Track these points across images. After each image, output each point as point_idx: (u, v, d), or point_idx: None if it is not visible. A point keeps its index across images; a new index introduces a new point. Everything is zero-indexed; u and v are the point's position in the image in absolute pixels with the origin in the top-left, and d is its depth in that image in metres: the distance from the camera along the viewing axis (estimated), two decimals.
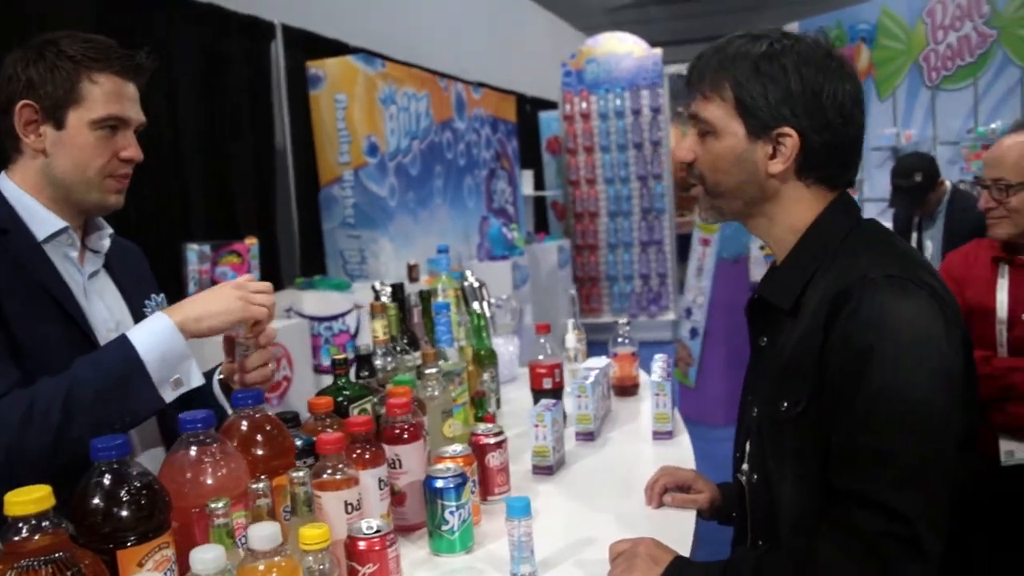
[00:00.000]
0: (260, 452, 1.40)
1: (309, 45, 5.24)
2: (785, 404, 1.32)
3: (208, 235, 3.98)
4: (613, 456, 2.10)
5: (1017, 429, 2.13)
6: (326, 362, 4.15)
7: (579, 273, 9.00)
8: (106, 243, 1.68)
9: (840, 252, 1.34)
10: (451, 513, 1.53)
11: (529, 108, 9.34)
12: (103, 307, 1.63)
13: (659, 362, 2.27)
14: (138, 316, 1.65)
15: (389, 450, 1.60)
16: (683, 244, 9.47)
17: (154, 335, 1.44)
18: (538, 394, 2.26)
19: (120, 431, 1.41)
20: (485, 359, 2.32)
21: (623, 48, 8.96)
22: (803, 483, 1.31)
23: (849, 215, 1.41)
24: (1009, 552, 2.12)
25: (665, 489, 1.74)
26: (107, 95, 1.54)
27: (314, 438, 1.51)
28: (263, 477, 1.30)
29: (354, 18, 5.88)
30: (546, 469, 1.95)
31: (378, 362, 1.99)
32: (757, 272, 9.55)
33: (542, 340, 2.31)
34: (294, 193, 5.09)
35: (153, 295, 1.76)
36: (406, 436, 1.63)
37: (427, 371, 1.89)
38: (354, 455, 1.50)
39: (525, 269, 6.53)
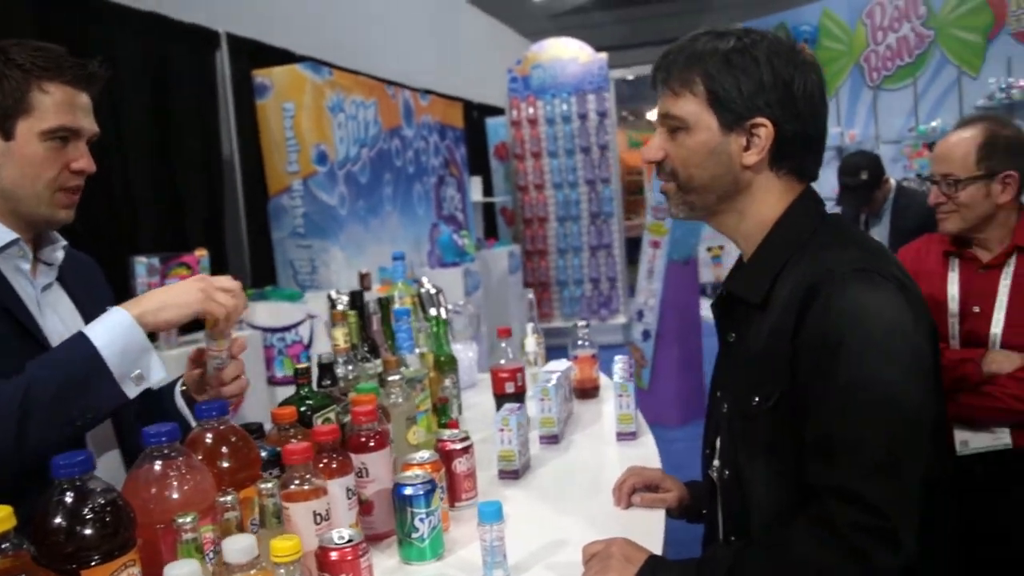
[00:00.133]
0: (226, 464, 1.37)
1: (255, 54, 5.18)
2: (757, 399, 1.33)
3: (156, 247, 3.91)
4: (578, 458, 2.10)
5: (970, 419, 2.17)
6: (280, 373, 4.10)
7: (529, 278, 9.01)
8: (59, 255, 1.64)
9: (809, 246, 1.35)
10: (421, 520, 1.51)
11: (476, 114, 9.34)
12: (57, 320, 1.59)
13: (620, 363, 2.27)
14: None
15: (356, 459, 1.57)
16: (631, 247, 9.55)
17: (112, 330, 1.39)
18: (501, 399, 2.25)
19: (82, 429, 1.37)
20: (446, 365, 2.30)
21: (568, 53, 9.00)
22: (776, 477, 1.32)
23: (816, 209, 1.43)
24: (967, 543, 2.16)
25: (633, 489, 1.74)
26: (58, 105, 1.49)
27: (279, 449, 1.49)
28: (230, 490, 1.28)
29: (300, 26, 5.83)
30: (512, 473, 1.94)
31: (340, 371, 1.96)
32: (706, 274, 9.66)
33: (503, 344, 2.30)
34: (242, 203, 5.02)
35: (109, 308, 1.72)
36: (372, 444, 1.61)
37: (390, 378, 1.88)
38: (321, 465, 1.47)
39: (477, 275, 6.51)
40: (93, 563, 1.10)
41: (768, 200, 1.41)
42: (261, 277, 5.02)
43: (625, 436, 2.16)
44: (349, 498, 1.50)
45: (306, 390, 1.80)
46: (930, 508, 1.22)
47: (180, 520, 1.13)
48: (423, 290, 2.71)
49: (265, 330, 4.22)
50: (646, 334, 6.07)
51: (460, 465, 1.77)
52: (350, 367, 2.00)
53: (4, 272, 1.51)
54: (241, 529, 1.24)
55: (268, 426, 1.65)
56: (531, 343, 2.66)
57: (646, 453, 2.06)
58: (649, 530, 1.59)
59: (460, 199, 7.62)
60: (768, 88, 1.35)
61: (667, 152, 1.44)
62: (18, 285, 1.52)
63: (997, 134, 2.25)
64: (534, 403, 2.20)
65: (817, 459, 1.24)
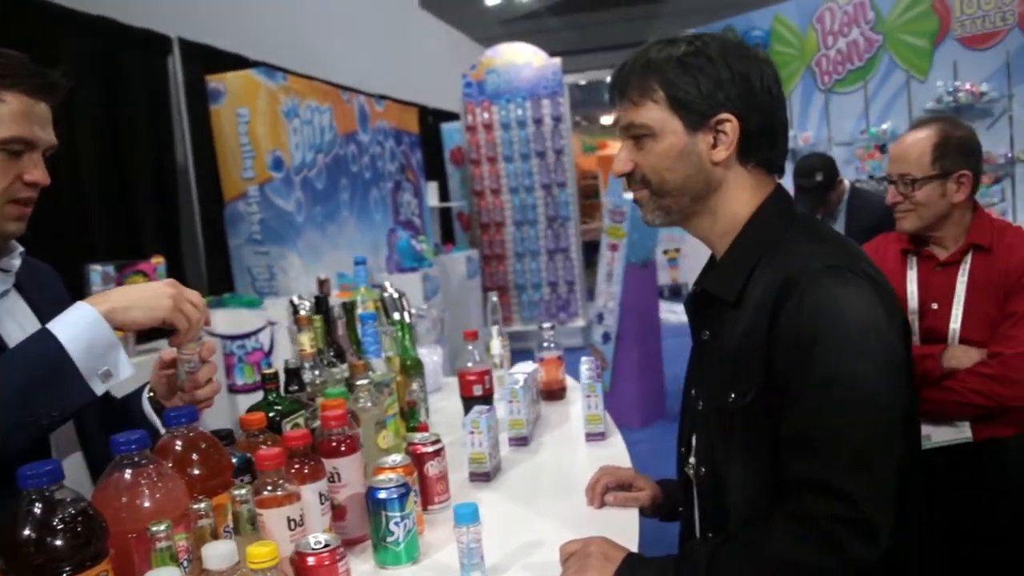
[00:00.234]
0: (197, 471, 1.35)
1: (207, 59, 5.13)
2: (733, 395, 1.34)
3: (110, 255, 3.84)
4: (549, 459, 2.10)
5: (932, 414, 2.20)
6: (241, 381, 4.06)
7: (488, 283, 9.00)
8: (16, 263, 1.60)
9: (782, 244, 1.37)
10: (396, 524, 1.50)
11: (431, 119, 9.32)
12: (16, 326, 1.55)
13: (587, 364, 2.28)
14: None
15: (327, 463, 1.56)
16: (588, 251, 9.59)
17: (76, 324, 1.34)
18: (468, 401, 2.25)
19: (47, 429, 1.33)
20: (412, 369, 2.29)
21: (522, 58, 9.02)
22: (753, 473, 1.33)
23: (787, 208, 1.44)
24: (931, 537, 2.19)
25: (607, 488, 1.74)
26: (14, 115, 1.43)
27: (249, 455, 1.47)
28: (202, 497, 1.26)
29: (252, 32, 5.79)
30: (483, 476, 1.93)
31: (306, 376, 1.94)
32: (662, 276, 9.73)
33: (470, 347, 2.29)
34: (198, 210, 4.96)
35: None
36: (343, 448, 1.60)
37: (358, 382, 1.86)
38: (293, 470, 1.45)
39: (436, 280, 6.49)
40: (64, 574, 1.08)
41: (741, 197, 1.42)
42: (218, 284, 4.96)
43: (594, 436, 2.16)
44: (322, 503, 1.49)
45: (274, 395, 1.78)
46: (904, 501, 1.24)
47: (154, 528, 1.11)
48: (386, 294, 2.69)
49: (225, 337, 4.16)
50: (606, 336, 6.10)
51: (432, 468, 1.76)
52: (316, 372, 1.98)
53: None
54: (215, 536, 1.22)
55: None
56: (496, 345, 2.66)
57: (615, 453, 2.06)
58: (624, 529, 1.59)
59: (417, 204, 7.59)
60: (727, 84, 1.37)
61: (636, 162, 1.45)
62: None
63: (950, 135, 2.29)
64: (502, 405, 2.20)
65: (794, 454, 1.25)
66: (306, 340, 1.96)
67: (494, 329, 2.70)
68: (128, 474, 1.22)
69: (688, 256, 8.55)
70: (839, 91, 5.82)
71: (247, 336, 4.12)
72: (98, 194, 4.12)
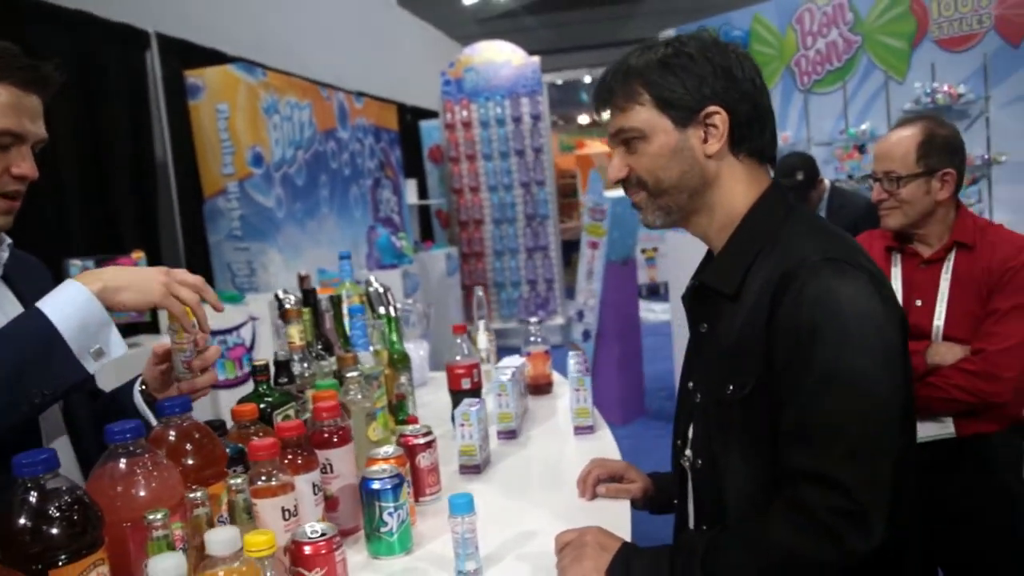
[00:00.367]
0: (191, 461, 1.34)
1: (186, 54, 5.10)
2: (731, 387, 1.34)
3: (90, 250, 3.81)
4: (538, 452, 2.10)
5: (916, 409, 2.22)
6: (223, 376, 4.03)
7: (466, 280, 9.00)
8: (4, 255, 1.58)
9: (780, 237, 1.38)
10: (390, 514, 1.50)
11: (410, 117, 9.31)
12: (3, 317, 1.53)
13: (575, 358, 2.28)
14: None
15: (320, 454, 1.56)
16: (566, 250, 9.61)
17: (68, 303, 1.32)
18: (457, 395, 2.24)
19: (40, 408, 1.31)
20: (399, 363, 2.29)
21: (501, 56, 9.03)
22: (751, 465, 1.34)
23: (784, 202, 1.45)
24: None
25: (598, 480, 1.75)
26: (3, 107, 1.41)
27: (242, 446, 1.46)
28: (196, 487, 1.25)
29: (231, 27, 5.75)
30: (474, 468, 1.93)
31: (295, 368, 1.93)
32: (641, 275, 9.76)
33: (458, 340, 2.29)
34: (177, 205, 4.92)
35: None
36: (336, 440, 1.60)
37: (349, 374, 1.86)
38: (286, 461, 1.45)
39: (415, 277, 6.49)
40: (60, 563, 1.06)
41: (736, 190, 1.43)
42: None
43: (583, 430, 2.17)
44: (315, 494, 1.49)
45: (264, 387, 1.77)
46: (899, 494, 1.25)
47: (151, 517, 1.10)
48: (371, 289, 2.69)
49: None
50: (586, 334, 6.11)
51: (424, 460, 1.76)
52: (305, 364, 1.97)
53: None
54: (211, 525, 1.22)
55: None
56: (483, 340, 2.66)
57: (604, 446, 2.07)
58: (616, 521, 1.59)
59: (396, 202, 7.58)
60: (710, 78, 1.38)
61: (630, 166, 1.46)
62: None
63: (935, 133, 2.31)
64: (491, 398, 2.20)
65: (792, 445, 1.26)
66: (295, 332, 1.95)
67: (481, 323, 2.70)
68: (123, 463, 1.21)
69: (666, 255, 8.57)
70: (818, 91, 5.86)
71: (228, 331, 4.10)
72: (77, 189, 4.09)
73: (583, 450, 2.02)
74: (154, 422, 1.47)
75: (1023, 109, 4.67)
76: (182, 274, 1.46)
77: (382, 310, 2.58)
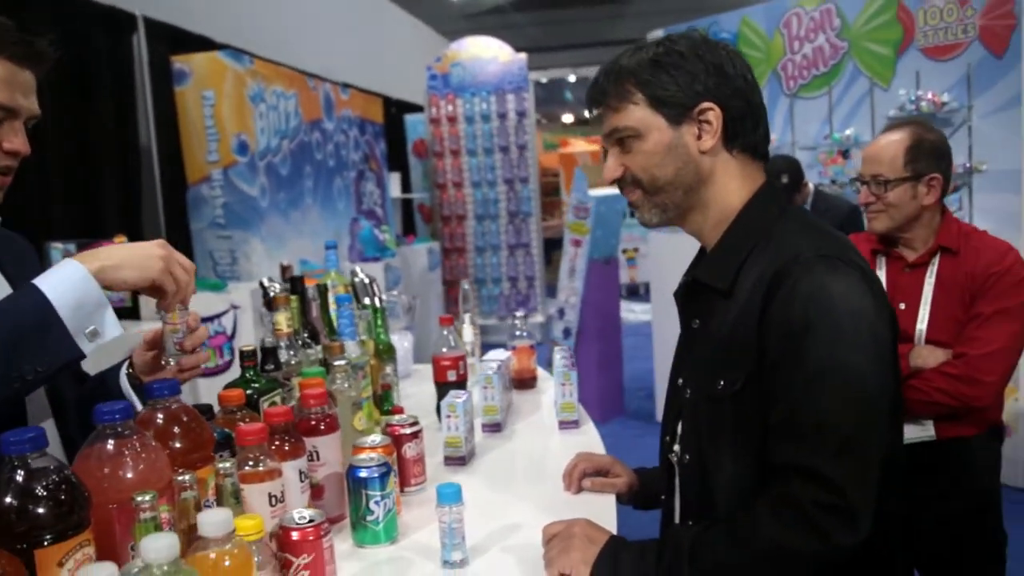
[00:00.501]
0: (178, 445, 1.33)
1: (173, 39, 5.05)
2: (722, 383, 1.35)
3: (72, 234, 3.78)
4: (522, 446, 2.11)
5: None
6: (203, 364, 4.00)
7: (448, 276, 8.99)
8: None
9: (774, 234, 1.39)
10: (376, 503, 1.50)
11: (395, 110, 9.27)
12: None
13: (561, 353, 2.28)
14: None
15: (307, 442, 1.55)
16: (547, 248, 9.61)
17: (65, 282, 1.30)
18: (442, 387, 2.24)
19: (32, 385, 1.30)
20: (384, 353, 2.29)
21: (488, 52, 9.02)
22: (740, 460, 1.34)
23: (778, 200, 1.46)
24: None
25: (584, 474, 1.75)
26: None
27: (228, 431, 1.45)
28: (183, 470, 1.24)
29: (219, 13, 5.71)
30: (459, 460, 1.93)
31: (282, 355, 1.93)
32: (621, 275, 9.79)
33: (445, 332, 2.29)
34: (160, 192, 4.88)
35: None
36: (323, 427, 1.59)
37: (336, 363, 1.85)
38: (274, 446, 1.44)
39: (397, 271, 6.48)
40: (46, 543, 1.05)
41: (731, 186, 1.44)
42: None
43: (568, 424, 2.17)
44: (302, 481, 1.48)
45: (251, 373, 1.76)
46: (885, 491, 1.26)
47: (139, 498, 1.09)
48: (357, 279, 2.68)
49: None
50: (567, 332, 6.12)
51: (410, 450, 1.76)
52: (292, 352, 1.96)
53: None
54: (198, 509, 1.21)
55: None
56: (468, 333, 2.66)
57: (589, 441, 2.07)
58: (601, 515, 1.59)
59: (379, 195, 7.56)
60: (702, 75, 1.39)
61: (625, 165, 1.46)
62: None
63: (923, 138, 2.33)
64: (476, 391, 2.20)
65: (782, 439, 1.27)
66: (282, 320, 1.94)
67: (466, 317, 2.70)
68: (111, 444, 1.19)
69: (647, 256, 8.60)
70: (804, 96, 5.89)
71: (210, 319, 4.07)
72: (60, 172, 4.05)
73: (568, 444, 2.02)
74: (139, 406, 1.46)
75: (1005, 119, 4.71)
76: (178, 255, 1.45)
77: (367, 301, 2.57)
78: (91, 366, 1.69)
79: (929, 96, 5.04)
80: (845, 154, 5.60)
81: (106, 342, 1.35)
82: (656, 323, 6.05)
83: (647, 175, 1.44)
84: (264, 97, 5.23)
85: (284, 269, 4.55)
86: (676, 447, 1.49)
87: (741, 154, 1.44)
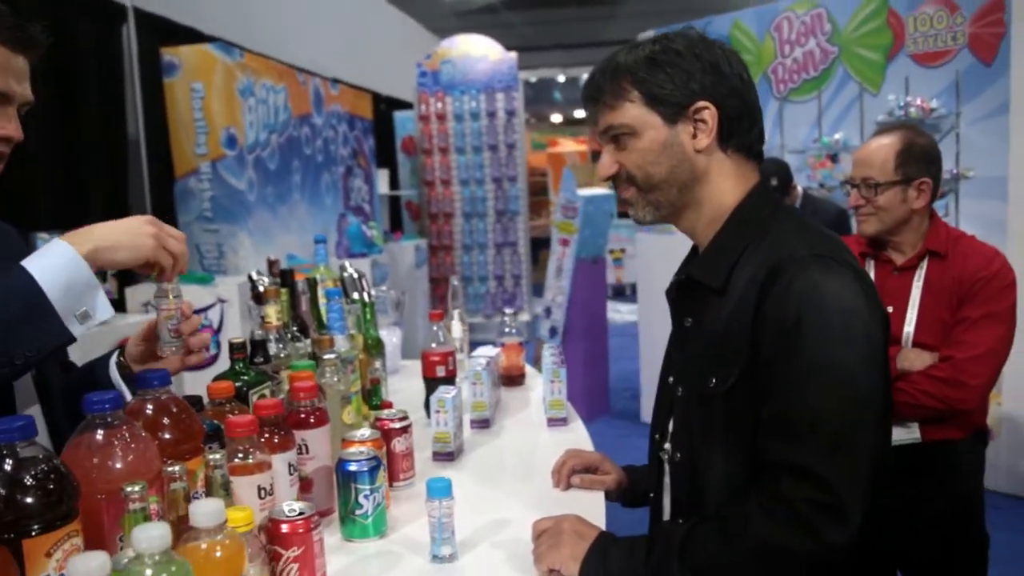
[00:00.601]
0: (167, 436, 1.32)
1: (163, 30, 5.04)
2: (714, 380, 1.35)
3: (58, 225, 3.75)
4: (511, 442, 2.11)
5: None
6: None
7: (434, 273, 8.97)
8: None
9: (768, 232, 1.39)
10: (365, 497, 1.49)
11: (384, 107, 9.25)
12: None
13: (551, 350, 2.28)
14: None
15: (297, 435, 1.54)
16: (534, 247, 9.60)
17: (54, 264, 1.28)
18: (431, 382, 2.23)
19: (22, 369, 1.28)
20: (373, 348, 2.28)
21: (479, 51, 9.00)
22: (731, 458, 1.35)
23: (772, 199, 1.47)
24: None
25: (573, 471, 1.75)
26: None
27: (217, 422, 1.44)
28: (173, 461, 1.24)
29: (209, 6, 5.69)
30: (447, 455, 1.93)
31: (271, 348, 1.92)
32: (609, 275, 9.80)
33: (435, 328, 2.28)
34: (147, 184, 4.86)
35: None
36: (312, 420, 1.59)
37: (326, 356, 1.84)
38: (263, 439, 1.44)
39: (385, 267, 6.47)
40: (34, 533, 1.04)
41: (725, 186, 1.44)
42: None
43: (556, 422, 2.17)
44: (291, 474, 1.47)
45: (241, 365, 1.75)
46: (873, 492, 1.27)
47: (128, 489, 1.08)
48: (346, 274, 2.67)
49: None
50: (553, 331, 6.12)
51: (399, 445, 1.75)
52: (281, 345, 1.95)
53: None
54: (188, 500, 1.20)
55: None
56: (457, 329, 2.65)
57: (578, 438, 2.07)
58: (590, 512, 1.58)
59: (367, 191, 7.55)
60: (699, 74, 1.39)
61: (620, 162, 1.46)
62: None
63: (914, 142, 2.34)
64: (465, 387, 2.20)
65: (773, 437, 1.27)
66: (272, 312, 1.93)
67: (455, 313, 2.69)
68: (100, 434, 1.19)
69: (634, 257, 8.61)
70: (793, 99, 5.91)
71: (197, 313, 4.04)
72: (47, 164, 4.03)
73: (556, 442, 2.03)
74: (128, 396, 1.45)
75: (993, 126, 4.74)
76: (168, 227, 1.44)
77: (356, 295, 2.57)
78: (78, 359, 1.68)
79: (918, 102, 5.06)
80: (834, 158, 5.62)
81: (97, 324, 1.33)
82: (643, 323, 6.07)
83: (642, 173, 1.44)
84: (253, 91, 5.22)
85: (271, 264, 4.54)
86: (667, 445, 1.50)
87: (736, 154, 1.45)
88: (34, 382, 1.50)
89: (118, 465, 1.17)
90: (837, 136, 5.56)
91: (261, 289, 2.13)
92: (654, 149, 1.42)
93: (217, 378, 1.66)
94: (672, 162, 1.42)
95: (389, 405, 1.97)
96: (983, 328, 2.21)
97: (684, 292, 1.50)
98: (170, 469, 1.20)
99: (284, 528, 1.26)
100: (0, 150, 1.45)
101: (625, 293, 11.73)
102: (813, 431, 1.23)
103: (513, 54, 8.98)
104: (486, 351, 2.41)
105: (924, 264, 2.34)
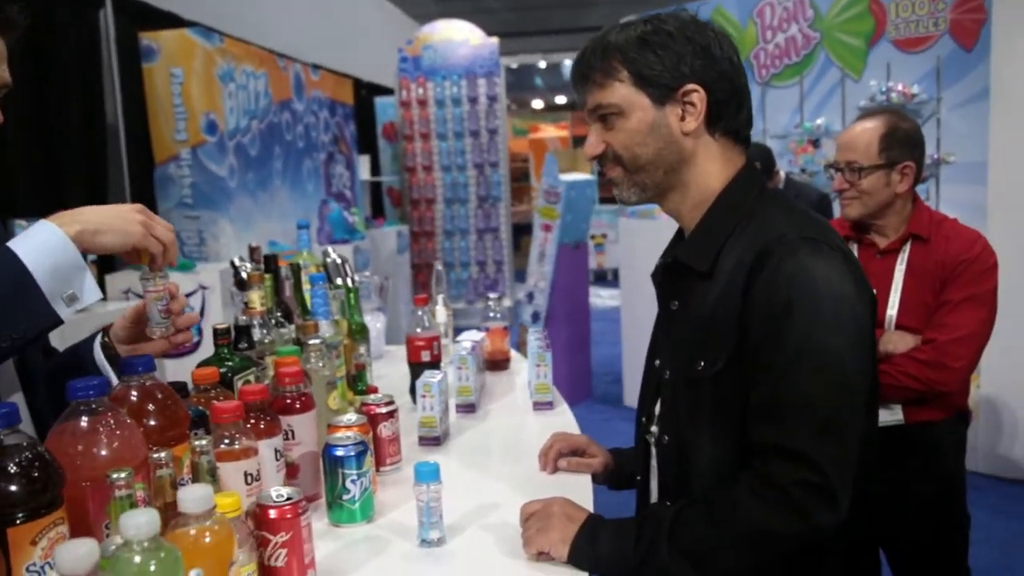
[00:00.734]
0: (153, 422, 1.31)
1: (141, 15, 4.98)
2: (702, 363, 1.35)
3: (36, 212, 3.71)
4: (497, 426, 2.11)
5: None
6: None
7: (416, 259, 8.94)
8: None
9: (755, 216, 1.39)
10: (352, 482, 1.49)
11: (365, 93, 9.20)
12: None
13: (536, 334, 2.28)
14: None
15: (283, 420, 1.53)
16: (516, 233, 9.59)
17: (41, 246, 1.26)
18: (416, 367, 2.23)
19: (7, 353, 1.26)
20: (358, 333, 2.27)
21: (460, 36, 8.95)
22: (719, 441, 1.35)
23: (758, 183, 1.47)
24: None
25: (559, 454, 1.76)
26: None
27: (203, 408, 1.43)
28: (158, 447, 1.22)
29: None
30: (434, 440, 1.93)
31: (255, 334, 1.90)
32: (590, 260, 9.83)
33: (419, 312, 2.28)
34: (127, 170, 4.81)
35: None
36: (298, 406, 1.58)
37: (311, 342, 1.83)
38: (249, 425, 1.43)
39: (367, 253, 6.45)
40: (18, 521, 1.03)
41: (711, 169, 1.44)
42: None
43: (542, 405, 2.17)
44: (278, 459, 1.47)
45: (225, 351, 1.74)
46: (860, 473, 1.27)
47: (114, 476, 1.07)
48: (329, 260, 2.65)
49: None
50: (535, 316, 6.12)
51: (385, 429, 1.75)
52: (265, 331, 1.94)
53: None
54: (174, 487, 1.19)
55: None
56: (441, 314, 2.65)
57: (564, 422, 2.08)
58: (577, 495, 1.59)
59: (349, 177, 7.51)
60: (689, 56, 1.39)
61: (607, 142, 1.46)
62: None
63: (897, 126, 2.35)
64: (451, 371, 2.20)
65: (762, 419, 1.27)
66: (256, 298, 1.91)
67: (439, 298, 2.69)
68: (85, 421, 1.17)
69: (616, 242, 8.62)
70: (776, 85, 5.91)
71: None
72: (25, 150, 3.99)
73: (543, 425, 2.03)
74: (114, 379, 1.44)
75: (974, 111, 4.77)
76: (157, 217, 1.42)
77: (340, 281, 2.55)
78: (58, 345, 1.66)
79: (899, 88, 5.08)
80: (816, 143, 5.64)
81: (84, 307, 1.32)
82: (625, 308, 6.08)
83: (628, 153, 1.44)
84: (233, 76, 5.17)
85: (253, 250, 4.51)
86: (653, 428, 1.50)
87: (723, 137, 1.44)
88: (16, 368, 1.48)
89: (103, 452, 1.16)
90: (819, 121, 5.58)
91: (244, 275, 2.11)
92: (641, 130, 1.42)
93: (201, 364, 1.65)
94: (659, 144, 1.42)
95: (375, 390, 1.97)
96: (965, 311, 2.23)
97: (670, 275, 1.50)
98: (156, 456, 1.19)
99: (272, 514, 1.25)
100: None
101: (607, 278, 11.75)
102: (802, 414, 1.23)
103: (494, 40, 8.94)
104: (471, 336, 2.40)
105: (907, 247, 2.35)
